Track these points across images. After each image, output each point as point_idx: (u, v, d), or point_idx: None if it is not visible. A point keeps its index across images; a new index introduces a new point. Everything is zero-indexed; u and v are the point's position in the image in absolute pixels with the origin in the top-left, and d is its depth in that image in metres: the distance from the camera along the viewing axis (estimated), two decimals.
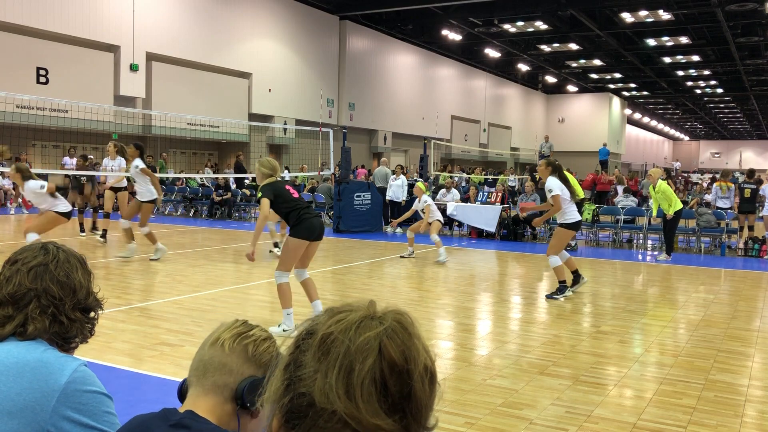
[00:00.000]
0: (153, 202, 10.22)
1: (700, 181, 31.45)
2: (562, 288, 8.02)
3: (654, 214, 12.40)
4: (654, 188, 11.91)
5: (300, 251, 5.97)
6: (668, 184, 12.36)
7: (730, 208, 14.22)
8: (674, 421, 4.04)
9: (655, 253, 13.14)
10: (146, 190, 10.07)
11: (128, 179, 11.80)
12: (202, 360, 1.41)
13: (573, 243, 13.34)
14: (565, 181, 8.05)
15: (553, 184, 7.95)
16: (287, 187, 6.07)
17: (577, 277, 8.20)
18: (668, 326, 6.77)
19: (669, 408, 4.28)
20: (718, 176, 20.55)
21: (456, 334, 6.28)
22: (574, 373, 4.96)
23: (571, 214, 8.04)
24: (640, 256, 12.83)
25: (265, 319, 6.57)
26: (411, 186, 17.20)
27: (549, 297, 7.99)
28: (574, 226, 8.12)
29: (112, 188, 11.51)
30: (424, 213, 11.36)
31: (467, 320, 6.87)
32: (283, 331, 5.82)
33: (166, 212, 19.86)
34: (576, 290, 8.23)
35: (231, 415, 1.39)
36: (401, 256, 11.39)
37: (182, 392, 1.45)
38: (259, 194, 5.92)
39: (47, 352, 1.52)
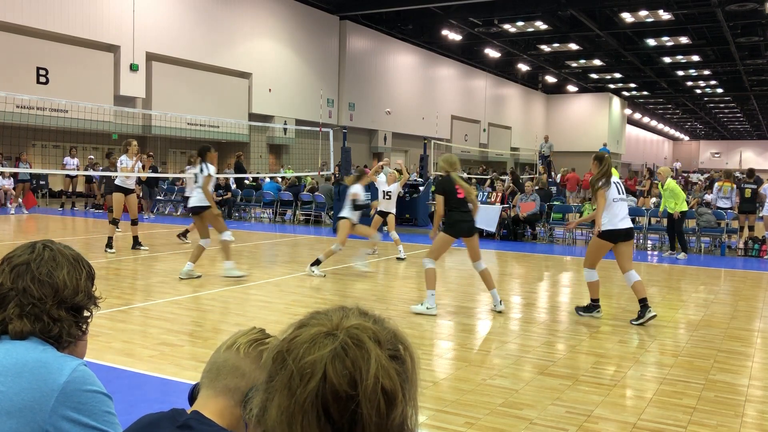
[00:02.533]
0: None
1: (699, 181, 31.43)
2: (590, 306, 6.96)
3: (660, 210, 12.67)
4: (662, 186, 12.21)
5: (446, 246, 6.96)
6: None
7: (731, 208, 14.26)
8: (674, 421, 4.04)
9: (660, 253, 13.24)
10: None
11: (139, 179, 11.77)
12: (216, 363, 1.42)
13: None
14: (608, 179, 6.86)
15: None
16: (456, 186, 6.78)
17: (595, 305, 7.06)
18: (668, 326, 6.76)
19: (669, 408, 4.27)
20: (717, 175, 20.60)
21: (456, 334, 6.28)
22: (574, 373, 4.96)
23: (612, 219, 6.75)
24: (639, 256, 12.83)
25: (264, 319, 6.57)
26: (413, 186, 17.21)
27: (577, 311, 7.07)
28: (610, 236, 6.80)
29: (123, 190, 11.01)
30: (386, 197, 11.36)
31: (467, 320, 6.87)
32: (427, 309, 6.79)
33: (167, 212, 19.86)
34: (593, 315, 7.00)
35: (240, 419, 1.38)
36: (398, 258, 11.14)
37: (193, 396, 1.45)
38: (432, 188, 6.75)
39: (46, 351, 1.51)
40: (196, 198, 8.72)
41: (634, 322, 6.70)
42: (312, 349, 0.77)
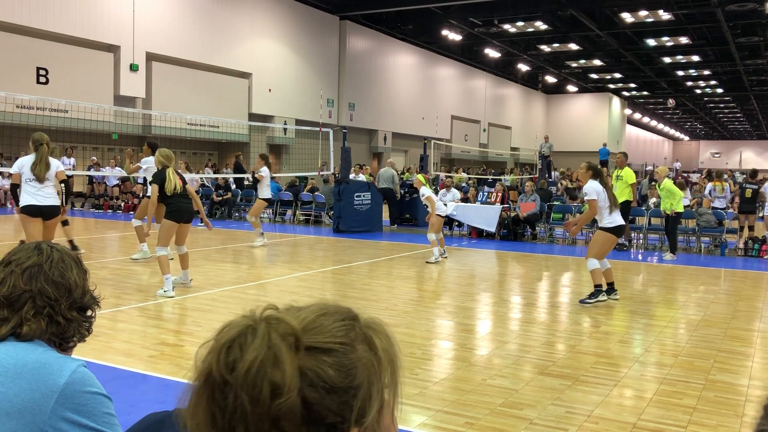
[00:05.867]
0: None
1: (699, 181, 31.42)
2: (596, 292, 7.62)
3: (662, 209, 12.66)
4: (659, 186, 12.29)
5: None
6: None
7: (726, 208, 14.31)
8: (674, 421, 4.04)
9: (659, 253, 13.23)
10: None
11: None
12: None
13: (626, 243, 13.31)
14: (606, 186, 7.76)
15: (589, 188, 7.64)
16: (178, 177, 7.55)
17: (610, 290, 7.80)
18: (668, 326, 6.76)
19: (669, 408, 4.27)
20: (704, 175, 20.69)
21: (456, 334, 6.28)
22: (574, 373, 4.95)
23: (611, 218, 7.64)
24: (640, 256, 12.83)
25: None
26: (413, 186, 17.20)
27: (582, 302, 7.60)
28: (615, 231, 7.69)
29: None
30: (428, 207, 11.05)
31: (467, 320, 6.87)
32: (164, 292, 7.30)
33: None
34: (606, 300, 7.74)
35: None
36: (427, 262, 10.70)
37: None
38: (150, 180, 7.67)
39: (46, 353, 1.51)
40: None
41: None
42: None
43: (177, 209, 7.53)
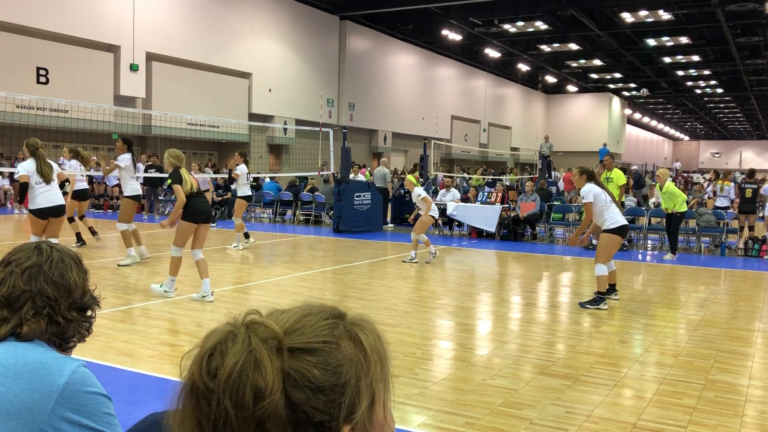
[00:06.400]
0: (134, 198, 9.85)
1: (702, 181, 31.43)
2: (598, 299, 7.49)
3: (663, 206, 12.65)
4: (661, 188, 12.23)
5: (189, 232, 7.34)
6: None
7: (728, 208, 14.30)
8: (674, 421, 4.04)
9: (660, 253, 13.23)
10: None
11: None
12: None
13: (626, 243, 13.28)
14: (602, 187, 7.71)
15: (586, 191, 7.57)
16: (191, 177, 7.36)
17: (610, 290, 7.78)
18: (668, 326, 6.76)
19: (669, 408, 4.27)
20: (708, 176, 20.68)
21: (456, 334, 6.28)
22: (574, 373, 4.96)
23: (613, 219, 7.51)
24: (640, 256, 12.84)
25: None
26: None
27: (582, 305, 7.53)
28: (620, 231, 7.54)
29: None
30: (419, 208, 10.98)
31: (467, 320, 6.87)
32: (164, 291, 7.31)
33: (167, 212, 19.85)
34: (607, 309, 7.61)
35: None
36: (426, 262, 10.75)
37: None
38: (169, 181, 7.31)
39: (46, 353, 1.51)
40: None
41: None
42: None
43: (192, 209, 7.28)
